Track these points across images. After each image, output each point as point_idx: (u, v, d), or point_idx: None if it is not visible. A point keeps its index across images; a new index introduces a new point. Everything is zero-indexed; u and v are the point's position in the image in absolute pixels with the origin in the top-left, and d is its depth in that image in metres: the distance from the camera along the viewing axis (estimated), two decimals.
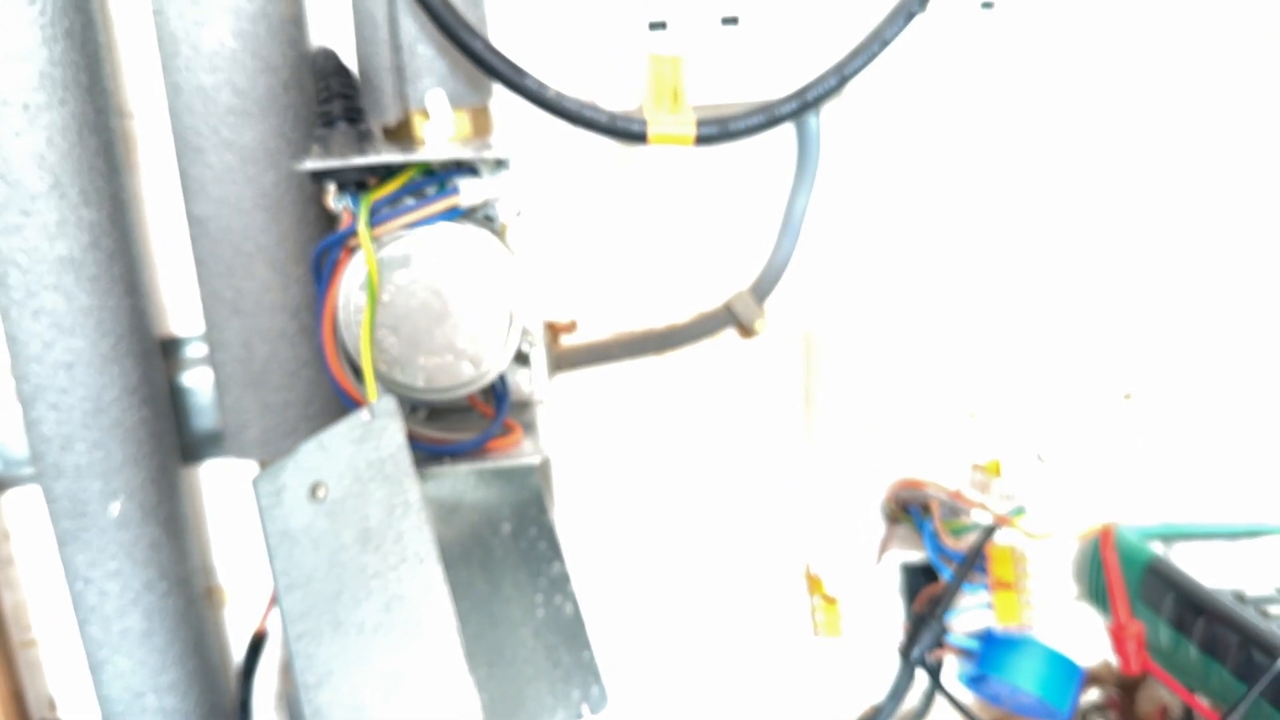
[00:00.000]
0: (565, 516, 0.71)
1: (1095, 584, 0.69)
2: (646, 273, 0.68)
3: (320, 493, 0.48)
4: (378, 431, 0.48)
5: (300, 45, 0.56)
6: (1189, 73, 0.67)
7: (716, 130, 0.54)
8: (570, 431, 0.70)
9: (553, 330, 0.67)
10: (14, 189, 0.54)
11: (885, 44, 0.54)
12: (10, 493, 0.65)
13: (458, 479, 0.57)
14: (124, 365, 0.59)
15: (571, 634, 0.54)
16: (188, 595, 0.64)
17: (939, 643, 0.63)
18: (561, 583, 0.56)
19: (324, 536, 0.48)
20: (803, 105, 0.54)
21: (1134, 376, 0.71)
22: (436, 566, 0.45)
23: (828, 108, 0.61)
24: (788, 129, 0.63)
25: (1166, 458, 0.73)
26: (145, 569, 0.61)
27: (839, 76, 0.54)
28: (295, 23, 0.56)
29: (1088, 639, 0.69)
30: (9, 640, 0.67)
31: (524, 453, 0.54)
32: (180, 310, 0.64)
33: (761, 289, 0.67)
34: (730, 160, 0.66)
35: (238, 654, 0.70)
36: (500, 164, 0.52)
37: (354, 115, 0.51)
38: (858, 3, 0.57)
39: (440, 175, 0.52)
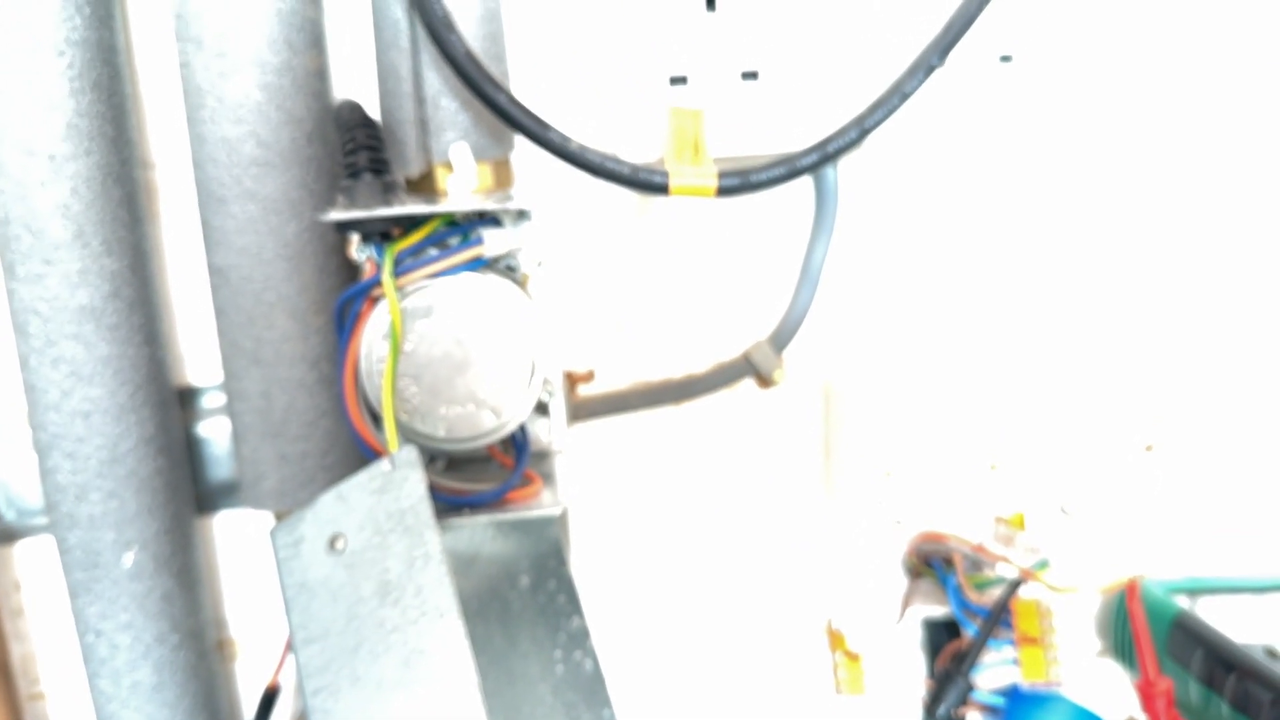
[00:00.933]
0: (582, 569, 0.70)
1: (1120, 639, 0.68)
2: (664, 323, 0.68)
3: (339, 544, 0.47)
4: (398, 482, 0.47)
5: (324, 98, 0.57)
6: (1209, 126, 0.67)
7: (738, 182, 0.54)
8: (587, 482, 0.69)
9: (570, 380, 0.67)
10: (37, 238, 0.54)
11: (905, 97, 0.54)
12: (22, 543, 0.65)
13: (475, 531, 0.57)
14: (141, 415, 0.58)
15: (591, 691, 0.53)
16: (199, 648, 0.63)
17: (964, 699, 0.62)
18: (581, 638, 0.55)
19: (343, 589, 0.47)
20: (823, 157, 0.54)
21: (1155, 428, 0.71)
22: (458, 621, 0.44)
23: (846, 160, 0.61)
24: (806, 181, 0.63)
25: (1189, 510, 0.72)
26: (157, 621, 0.60)
27: (859, 129, 0.54)
28: (320, 75, 0.56)
29: (1111, 695, 0.68)
30: (16, 693, 0.66)
31: (544, 504, 0.54)
32: (197, 360, 0.64)
33: (780, 339, 0.66)
34: (748, 212, 0.66)
35: (248, 709, 0.69)
36: (523, 215, 0.53)
37: (379, 166, 0.51)
38: (875, 58, 0.57)
39: (463, 226, 0.52)
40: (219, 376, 0.60)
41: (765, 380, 0.67)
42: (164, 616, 0.61)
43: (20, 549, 0.65)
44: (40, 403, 0.57)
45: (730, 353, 0.68)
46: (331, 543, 0.48)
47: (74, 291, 0.55)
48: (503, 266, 0.54)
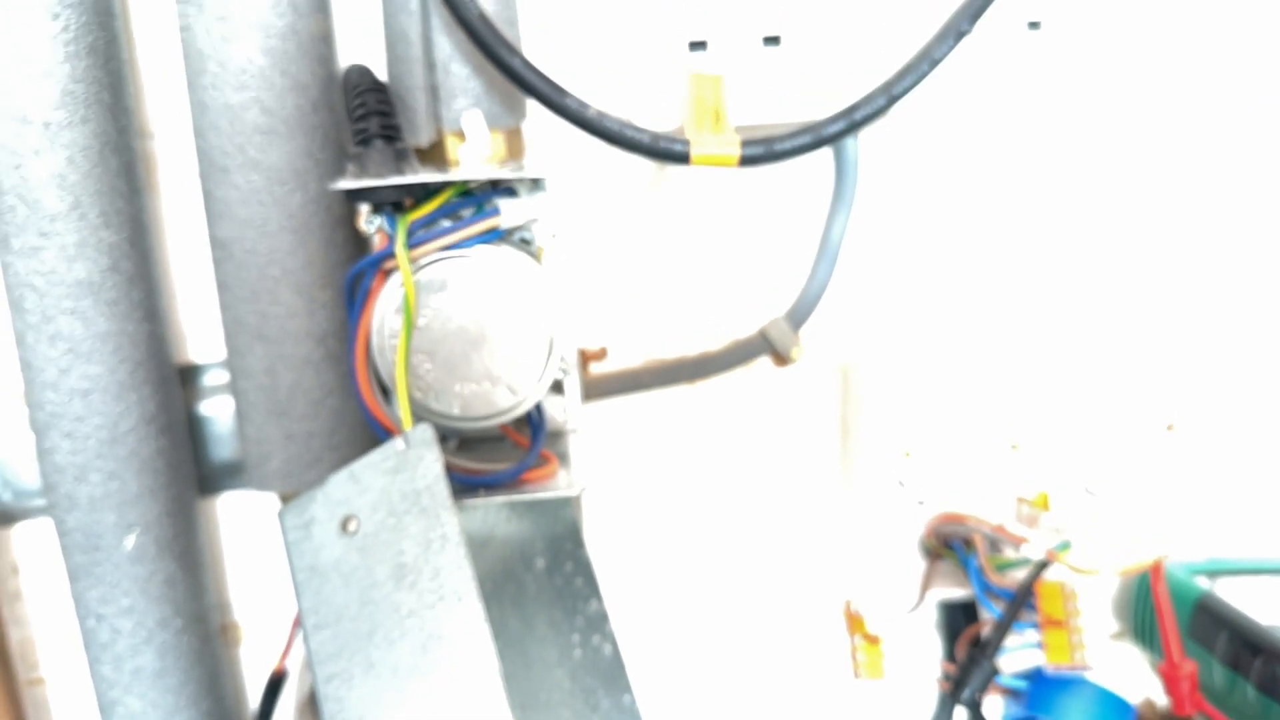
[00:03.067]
0: (596, 551, 0.68)
1: (1142, 621, 0.67)
2: (679, 299, 0.66)
3: (351, 526, 0.46)
4: (413, 461, 0.46)
5: (329, 64, 0.55)
6: (1235, 99, 0.66)
7: (762, 150, 0.52)
8: (600, 463, 0.67)
9: (583, 358, 0.65)
10: (33, 210, 0.52)
11: (934, 63, 0.52)
12: (20, 525, 0.63)
13: (490, 511, 0.55)
14: (142, 393, 0.56)
15: (611, 676, 0.52)
16: (203, 633, 0.61)
17: (988, 683, 0.60)
18: (599, 622, 0.53)
19: (355, 572, 0.45)
20: (850, 125, 0.52)
21: (1176, 407, 0.69)
22: (477, 604, 0.43)
23: (866, 131, 0.59)
24: (825, 153, 0.61)
25: (1209, 490, 0.71)
26: (160, 605, 0.59)
27: (887, 97, 0.52)
28: (325, 40, 0.54)
29: (1130, 678, 0.67)
30: (15, 679, 0.64)
31: (560, 485, 0.52)
32: (199, 336, 0.62)
33: (797, 316, 0.65)
34: (766, 185, 0.64)
35: (254, 694, 0.67)
36: (538, 184, 0.51)
37: (391, 133, 0.49)
38: (902, 22, 0.56)
39: (477, 197, 0.50)
40: (222, 353, 0.58)
41: (782, 358, 0.65)
42: (166, 601, 0.59)
43: (18, 531, 0.63)
44: (37, 380, 0.55)
45: (746, 330, 0.66)
46: (344, 524, 0.46)
47: (71, 265, 0.53)
48: (517, 239, 0.52)
